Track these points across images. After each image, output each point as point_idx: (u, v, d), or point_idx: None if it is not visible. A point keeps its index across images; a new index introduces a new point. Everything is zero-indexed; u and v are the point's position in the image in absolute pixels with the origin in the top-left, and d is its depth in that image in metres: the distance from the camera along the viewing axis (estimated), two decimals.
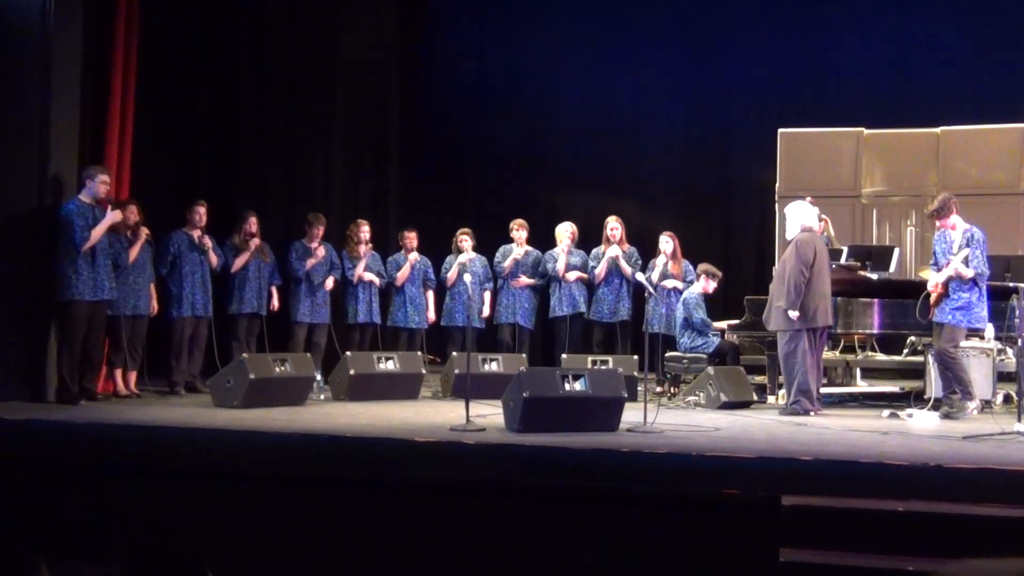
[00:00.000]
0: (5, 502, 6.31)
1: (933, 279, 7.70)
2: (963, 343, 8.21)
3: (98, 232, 7.65)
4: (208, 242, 8.73)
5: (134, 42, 8.86)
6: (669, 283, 9.43)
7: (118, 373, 8.27)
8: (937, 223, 7.80)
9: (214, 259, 8.77)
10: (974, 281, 7.48)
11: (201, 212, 8.74)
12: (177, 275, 8.63)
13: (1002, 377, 8.55)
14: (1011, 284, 7.91)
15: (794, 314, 7.58)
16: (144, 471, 6.18)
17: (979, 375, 8.16)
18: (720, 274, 9.32)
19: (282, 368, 7.89)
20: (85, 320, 7.64)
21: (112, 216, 7.78)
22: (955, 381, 7.62)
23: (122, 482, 6.20)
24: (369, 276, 9.59)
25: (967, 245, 7.51)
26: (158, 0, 9.35)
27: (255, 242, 9.03)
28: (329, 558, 5.79)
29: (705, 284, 9.17)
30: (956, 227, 7.66)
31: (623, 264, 9.56)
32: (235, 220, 9.16)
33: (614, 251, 9.57)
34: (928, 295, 7.70)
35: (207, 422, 6.72)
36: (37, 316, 7.71)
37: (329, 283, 9.45)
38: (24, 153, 7.75)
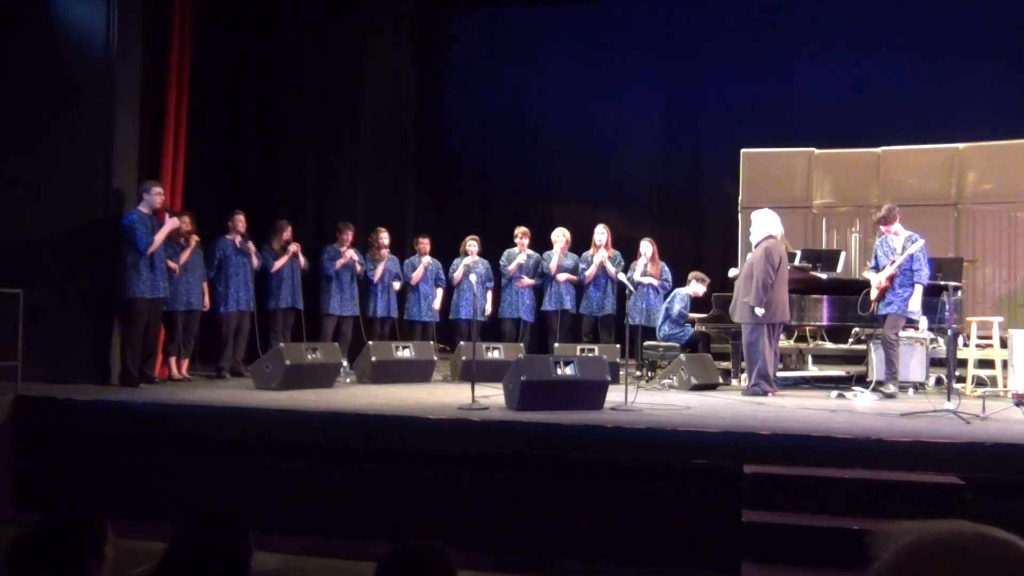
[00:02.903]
0: (76, 471, 6.33)
1: (875, 278, 7.71)
2: (901, 333, 8.23)
3: (160, 237, 7.66)
4: (251, 247, 8.77)
5: (186, 71, 8.88)
6: (647, 279, 9.47)
7: (173, 360, 8.28)
8: (881, 228, 7.80)
9: (256, 261, 8.80)
10: (913, 282, 7.49)
11: (241, 220, 8.76)
12: (224, 276, 8.64)
13: (934, 363, 8.57)
14: (942, 282, 7.93)
15: (760, 311, 7.57)
16: (195, 444, 6.20)
17: (914, 361, 8.18)
18: (708, 280, 9.34)
19: (313, 355, 7.90)
20: (145, 314, 7.65)
21: (171, 223, 7.79)
22: (887, 362, 7.66)
23: (176, 454, 6.22)
24: (395, 285, 9.68)
25: (912, 244, 7.52)
26: (208, 33, 9.35)
27: (294, 246, 9.03)
28: (353, 519, 5.80)
29: (696, 288, 9.22)
30: (898, 233, 7.67)
31: (609, 266, 9.58)
32: (273, 227, 9.18)
33: (603, 255, 9.58)
34: (868, 292, 7.71)
35: (249, 402, 6.72)
36: (103, 311, 7.73)
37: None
38: (91, 169, 7.76)
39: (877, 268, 7.74)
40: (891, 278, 7.58)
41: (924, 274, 7.55)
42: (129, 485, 6.16)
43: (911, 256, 7.49)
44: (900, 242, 7.62)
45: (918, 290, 7.54)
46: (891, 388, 7.60)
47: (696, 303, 9.32)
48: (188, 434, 6.24)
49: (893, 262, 7.57)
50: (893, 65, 11.06)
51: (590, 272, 9.62)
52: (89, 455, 6.34)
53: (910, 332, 8.33)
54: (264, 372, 7.67)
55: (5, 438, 6.41)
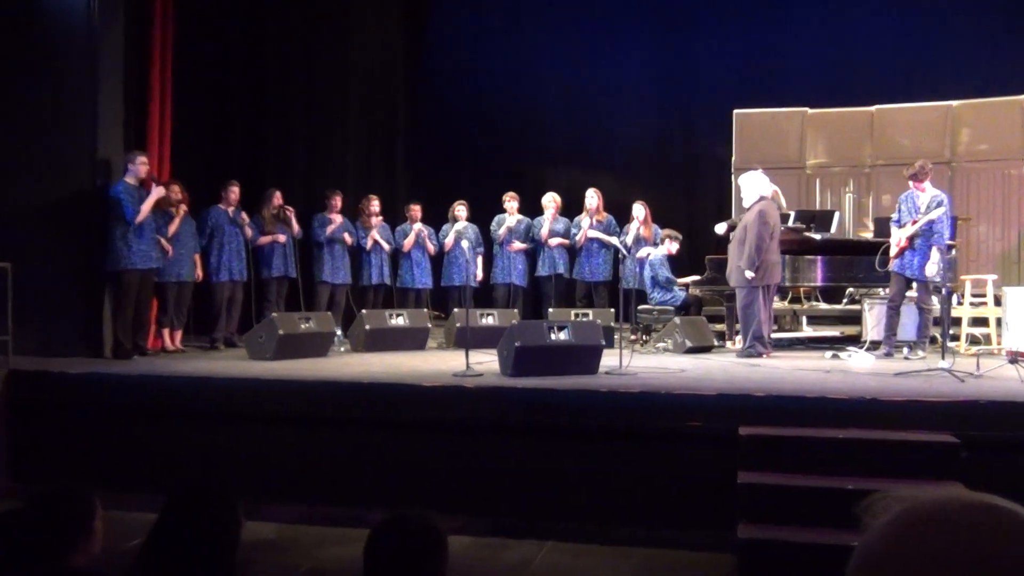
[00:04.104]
0: (70, 444, 6.31)
1: (896, 235, 7.59)
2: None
3: (147, 207, 7.58)
4: (245, 217, 8.71)
5: (170, 39, 8.74)
6: (643, 252, 9.37)
7: (166, 332, 8.24)
8: (911, 184, 7.65)
9: (249, 232, 8.74)
10: (930, 244, 7.40)
11: (235, 190, 8.70)
12: (216, 246, 8.57)
13: None
14: None
15: (750, 274, 7.52)
16: (189, 416, 6.18)
17: (908, 320, 8.16)
18: (680, 236, 9.29)
19: (307, 325, 7.86)
20: (136, 286, 7.59)
21: (157, 192, 7.70)
22: (920, 327, 7.61)
23: (170, 425, 6.20)
24: (381, 241, 9.57)
25: (936, 207, 7.41)
26: (192, 1, 9.19)
27: (289, 211, 8.92)
28: (348, 487, 5.79)
29: (668, 247, 9.15)
30: (925, 191, 7.54)
31: (602, 236, 9.48)
32: (263, 195, 9.10)
33: (593, 233, 9.49)
34: (887, 247, 7.61)
35: (243, 373, 6.69)
36: (93, 284, 7.66)
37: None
38: (75, 140, 7.64)
39: (900, 223, 7.62)
40: (911, 238, 7.48)
41: (944, 237, 7.44)
42: (123, 457, 6.15)
43: (931, 220, 7.38)
44: (925, 201, 7.48)
45: (934, 254, 7.37)
46: (919, 352, 7.53)
47: (677, 261, 9.23)
48: (182, 405, 6.22)
49: (915, 222, 7.47)
50: (886, 23, 10.95)
51: (580, 237, 9.56)
52: (83, 428, 6.32)
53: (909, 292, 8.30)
54: (258, 342, 7.63)
55: None
